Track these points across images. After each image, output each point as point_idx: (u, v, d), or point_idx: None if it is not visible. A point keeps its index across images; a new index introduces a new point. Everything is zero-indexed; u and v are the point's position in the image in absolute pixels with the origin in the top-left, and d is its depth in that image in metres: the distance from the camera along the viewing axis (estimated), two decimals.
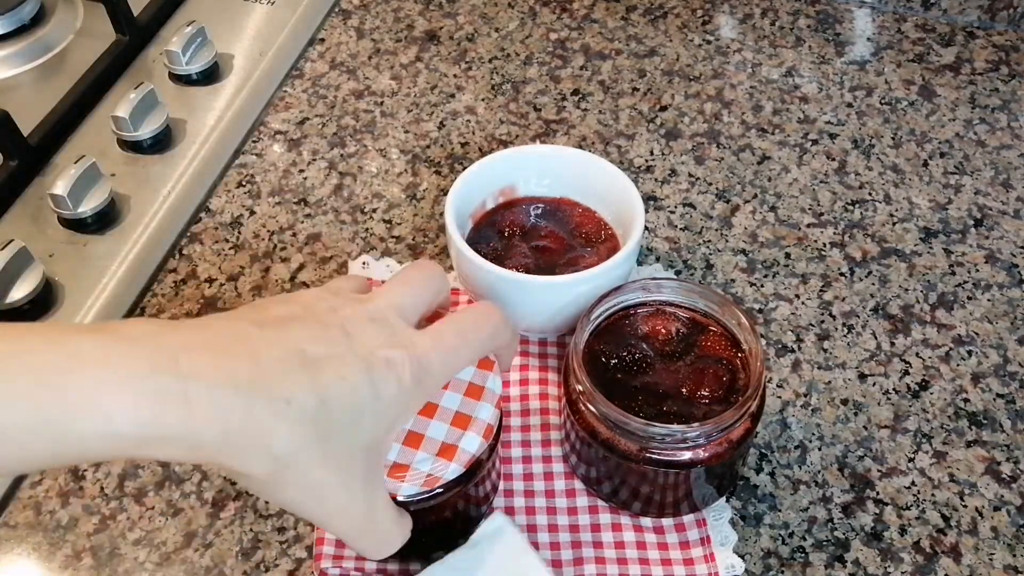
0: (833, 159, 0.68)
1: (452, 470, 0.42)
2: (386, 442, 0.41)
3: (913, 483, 0.51)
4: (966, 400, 0.55)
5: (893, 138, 0.69)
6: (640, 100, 0.72)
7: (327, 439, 0.36)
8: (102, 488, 0.52)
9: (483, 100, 0.72)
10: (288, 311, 0.38)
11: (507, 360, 0.47)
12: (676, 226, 0.64)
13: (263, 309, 0.38)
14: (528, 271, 0.52)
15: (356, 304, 0.40)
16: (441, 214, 0.63)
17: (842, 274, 0.61)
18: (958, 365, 0.56)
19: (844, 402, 0.55)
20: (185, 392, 0.32)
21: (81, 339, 0.32)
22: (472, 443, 0.42)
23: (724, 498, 0.50)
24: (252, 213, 0.65)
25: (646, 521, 0.49)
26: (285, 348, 0.36)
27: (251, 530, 0.50)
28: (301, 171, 0.68)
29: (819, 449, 0.53)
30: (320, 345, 0.36)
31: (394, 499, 0.41)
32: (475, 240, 0.55)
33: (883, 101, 0.72)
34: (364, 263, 0.61)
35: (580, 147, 0.67)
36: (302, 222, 0.64)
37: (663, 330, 0.49)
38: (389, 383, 0.37)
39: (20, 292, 0.57)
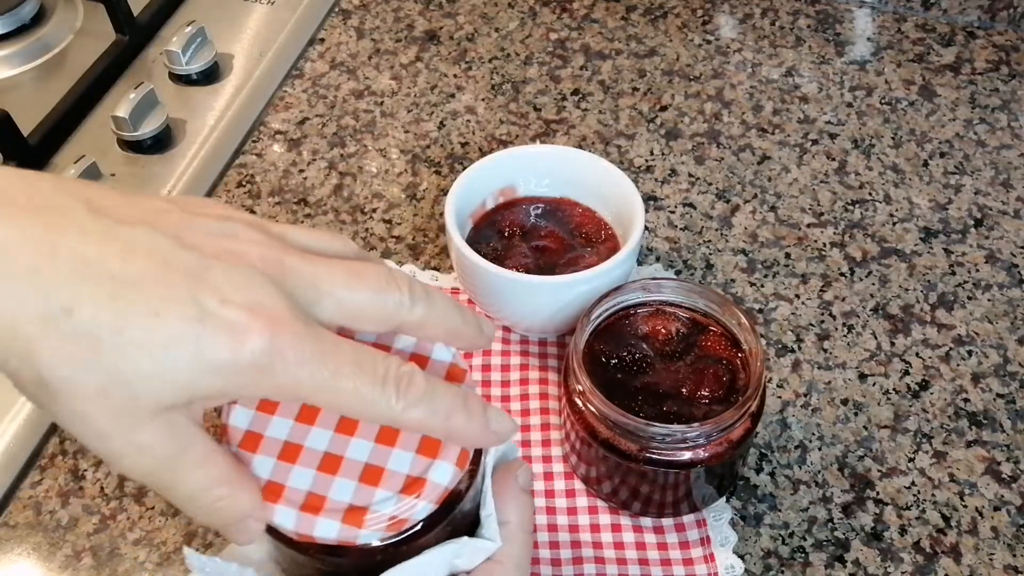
0: (833, 159, 0.68)
1: (421, 509, 0.33)
2: (202, 408, 0.31)
3: (913, 483, 0.51)
4: (966, 400, 0.55)
5: (893, 138, 0.69)
6: (640, 100, 0.72)
7: (110, 376, 0.27)
8: (102, 488, 0.52)
9: (483, 100, 0.72)
10: (164, 207, 0.30)
11: (467, 340, 0.36)
12: (676, 226, 0.64)
13: (148, 200, 0.30)
14: (528, 271, 0.52)
15: (257, 242, 0.31)
16: (441, 214, 0.63)
17: (842, 274, 0.61)
18: (958, 365, 0.56)
19: (844, 402, 0.55)
20: None
21: None
22: (444, 474, 0.34)
23: (724, 498, 0.50)
24: (252, 213, 0.65)
25: (646, 521, 0.49)
26: (106, 247, 0.28)
27: None
28: (301, 171, 0.68)
29: (819, 449, 0.53)
30: (154, 262, 0.28)
31: (353, 547, 0.33)
32: (475, 240, 0.55)
33: (883, 101, 0.72)
34: None
35: (580, 147, 0.67)
36: (302, 222, 0.64)
37: (663, 330, 0.49)
38: (219, 349, 0.28)
39: None
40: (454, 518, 0.35)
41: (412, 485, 0.34)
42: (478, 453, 0.36)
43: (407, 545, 0.34)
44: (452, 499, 0.35)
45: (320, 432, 0.35)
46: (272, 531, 0.34)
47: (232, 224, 0.31)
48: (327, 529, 0.33)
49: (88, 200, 0.28)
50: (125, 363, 0.27)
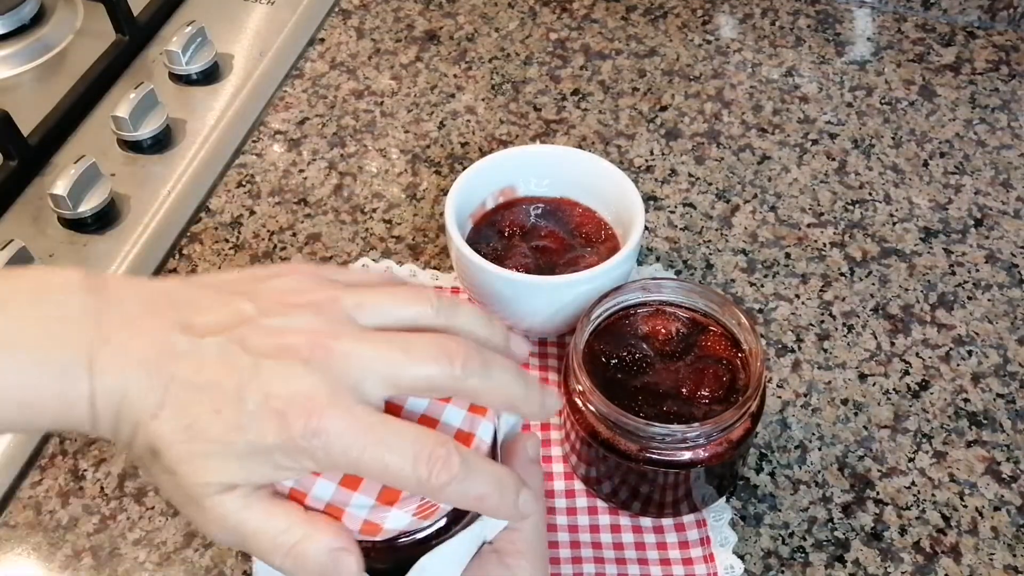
0: (833, 159, 0.68)
1: (393, 517, 0.35)
2: (262, 483, 0.36)
3: (913, 483, 0.51)
4: (966, 400, 0.55)
5: (893, 138, 0.69)
6: (640, 100, 0.72)
7: (185, 460, 0.34)
8: (102, 488, 0.52)
9: (483, 100, 0.72)
10: (242, 312, 0.36)
11: (526, 412, 0.39)
12: (676, 226, 0.64)
13: (230, 302, 0.36)
14: (528, 271, 0.52)
15: (311, 330, 0.35)
16: (441, 214, 0.63)
17: (842, 274, 0.61)
18: (958, 365, 0.56)
19: (844, 402, 0.55)
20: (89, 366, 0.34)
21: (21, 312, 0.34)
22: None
23: (724, 498, 0.50)
24: (252, 213, 0.65)
25: (645, 521, 0.49)
26: (188, 362, 0.35)
27: None
28: (301, 171, 0.68)
29: (819, 449, 0.53)
30: (218, 370, 0.34)
31: (393, 539, 0.36)
32: (475, 240, 0.55)
33: (883, 101, 0.72)
34: (364, 265, 0.61)
35: (580, 147, 0.67)
36: (302, 222, 0.64)
37: (663, 330, 0.49)
38: (266, 435, 0.33)
39: None
40: (436, 531, 0.37)
41: (388, 493, 0.36)
42: (494, 440, 0.39)
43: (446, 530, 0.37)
44: (427, 512, 0.36)
45: None
46: None
47: (294, 317, 0.36)
48: (397, 520, 0.35)
49: (181, 322, 0.35)
50: (195, 448, 0.34)
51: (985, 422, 0.54)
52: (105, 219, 0.63)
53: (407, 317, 0.37)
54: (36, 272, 0.37)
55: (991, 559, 0.49)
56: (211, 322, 0.36)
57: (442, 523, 0.37)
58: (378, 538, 0.36)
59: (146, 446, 0.35)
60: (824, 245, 0.62)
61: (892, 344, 0.57)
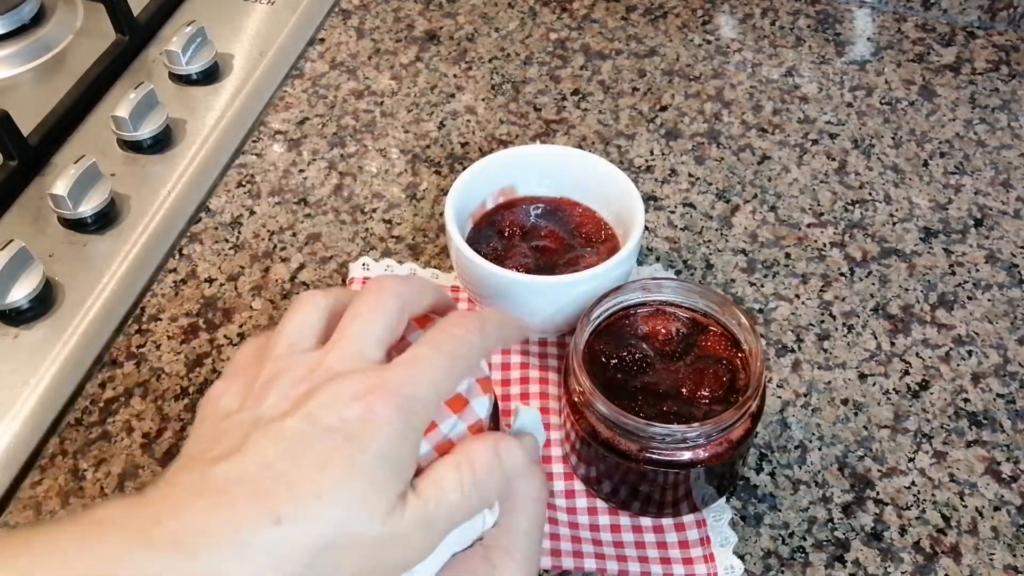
0: (833, 159, 0.68)
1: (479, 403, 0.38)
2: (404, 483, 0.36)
3: (913, 483, 0.51)
4: (966, 400, 0.55)
5: (893, 138, 0.69)
6: (640, 100, 0.72)
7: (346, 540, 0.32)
8: (102, 488, 0.52)
9: (483, 100, 0.72)
10: (238, 431, 0.34)
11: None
12: (676, 226, 0.64)
13: (213, 439, 0.34)
14: (528, 271, 0.52)
15: (311, 373, 0.35)
16: (441, 214, 0.63)
17: (842, 274, 0.61)
18: (958, 365, 0.56)
19: (844, 402, 0.55)
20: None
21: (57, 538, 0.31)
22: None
23: (724, 498, 0.50)
24: (252, 213, 0.65)
25: (645, 521, 0.49)
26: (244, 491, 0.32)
27: None
28: (301, 171, 0.68)
29: (819, 449, 0.53)
30: (282, 452, 0.33)
31: None
32: (475, 240, 0.55)
33: (883, 101, 0.72)
34: (364, 264, 0.61)
35: (580, 147, 0.67)
36: (302, 222, 0.64)
37: (663, 330, 0.49)
38: (376, 434, 0.33)
39: (20, 292, 0.57)
40: None
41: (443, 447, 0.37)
42: (495, 424, 0.40)
43: None
44: None
45: None
46: None
47: (277, 384, 0.35)
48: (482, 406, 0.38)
49: (201, 456, 0.34)
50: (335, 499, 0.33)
51: (985, 422, 0.54)
52: (105, 219, 0.63)
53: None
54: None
55: (991, 559, 0.49)
56: (216, 452, 0.34)
57: None
58: None
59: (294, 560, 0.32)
60: (824, 245, 0.62)
61: (892, 344, 0.57)
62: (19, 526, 0.50)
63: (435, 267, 0.61)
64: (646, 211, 0.58)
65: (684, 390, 0.47)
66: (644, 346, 0.49)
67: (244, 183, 0.67)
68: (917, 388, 0.55)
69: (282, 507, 0.31)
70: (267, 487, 0.32)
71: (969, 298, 0.60)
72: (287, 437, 0.33)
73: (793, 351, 0.57)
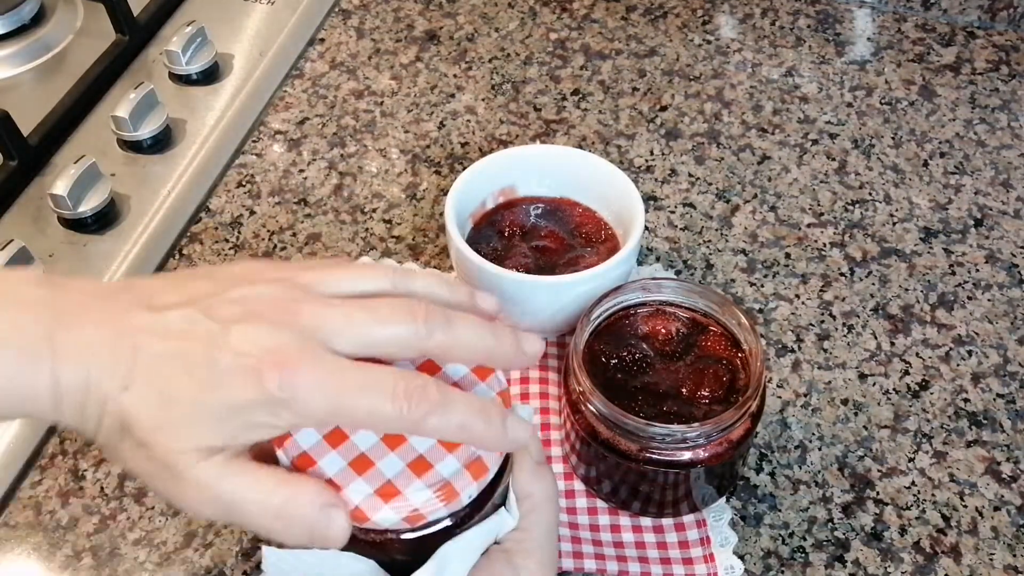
0: (833, 159, 0.68)
1: (383, 514, 0.36)
2: (244, 445, 0.36)
3: (913, 483, 0.51)
4: (966, 400, 0.55)
5: (893, 138, 0.69)
6: (640, 100, 0.72)
7: (161, 424, 0.34)
8: (102, 488, 0.52)
9: (483, 100, 0.72)
10: (203, 289, 0.36)
11: (504, 360, 0.39)
12: (676, 226, 0.64)
13: (192, 282, 0.37)
14: (528, 271, 0.52)
15: (275, 298, 0.36)
16: (441, 214, 0.63)
17: (842, 274, 0.61)
18: (958, 365, 0.56)
19: (844, 402, 0.55)
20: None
21: None
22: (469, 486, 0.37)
23: (724, 498, 0.50)
24: (252, 213, 0.65)
25: (645, 521, 0.49)
26: (153, 334, 0.35)
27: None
28: (301, 171, 0.68)
29: (819, 449, 0.53)
30: (184, 337, 0.34)
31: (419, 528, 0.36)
32: (475, 240, 0.55)
33: (883, 101, 0.72)
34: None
35: (580, 147, 0.67)
36: (302, 222, 0.64)
37: (663, 330, 0.49)
38: (239, 391, 0.33)
39: None
40: (495, 497, 0.38)
41: (472, 465, 0.37)
42: (501, 471, 0.39)
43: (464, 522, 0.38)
44: (492, 481, 0.38)
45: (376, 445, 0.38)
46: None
47: (255, 288, 0.36)
48: (385, 518, 0.36)
49: (140, 302, 0.36)
50: (170, 414, 0.34)
51: (985, 422, 0.54)
52: (105, 219, 0.63)
53: (365, 290, 0.37)
54: None
55: (991, 559, 0.49)
56: (171, 299, 0.36)
57: (465, 512, 0.37)
58: (366, 526, 0.36)
59: (116, 423, 0.34)
60: (824, 245, 0.62)
61: (892, 344, 0.57)
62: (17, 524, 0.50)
63: (435, 267, 0.61)
64: (646, 211, 0.58)
65: (684, 390, 0.47)
66: (644, 346, 0.49)
67: (244, 183, 0.67)
68: (917, 388, 0.55)
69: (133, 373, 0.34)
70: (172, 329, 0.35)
71: (969, 298, 0.60)
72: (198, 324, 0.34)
73: (793, 351, 0.57)
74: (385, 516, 0.36)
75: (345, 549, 0.36)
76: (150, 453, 0.34)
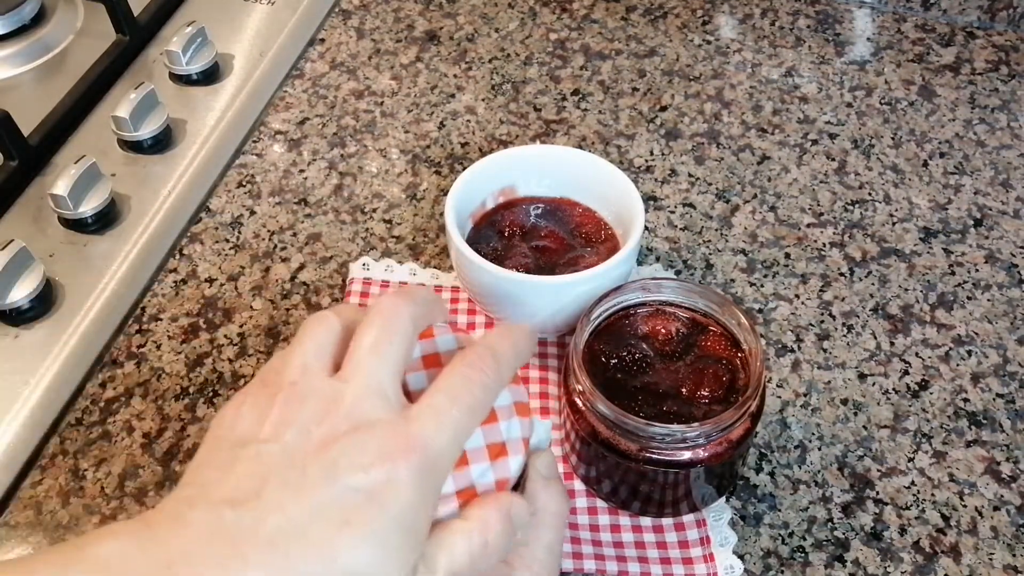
0: (833, 159, 0.68)
1: (515, 463, 0.38)
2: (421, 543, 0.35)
3: (913, 483, 0.51)
4: (966, 400, 0.55)
5: (893, 138, 0.69)
6: (640, 100, 0.72)
7: None
8: (102, 488, 0.52)
9: (483, 100, 0.72)
10: (255, 470, 0.33)
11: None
12: (676, 226, 0.64)
13: (227, 471, 0.33)
14: (528, 271, 0.52)
15: (330, 413, 0.34)
16: (441, 214, 0.63)
17: (842, 274, 0.61)
18: (958, 365, 0.56)
19: (844, 402, 0.55)
20: None
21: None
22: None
23: (724, 498, 0.50)
24: (252, 213, 0.65)
25: (645, 521, 0.49)
26: (266, 534, 0.31)
27: None
28: (301, 171, 0.68)
29: (819, 449, 0.53)
30: (302, 506, 0.32)
31: None
32: (475, 240, 0.55)
33: (883, 101, 0.72)
34: (364, 264, 0.61)
35: (580, 147, 0.67)
36: (302, 222, 0.64)
37: (663, 330, 0.49)
38: (396, 497, 0.32)
39: (20, 292, 0.57)
40: None
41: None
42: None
43: None
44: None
45: None
46: None
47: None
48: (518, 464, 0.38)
49: (222, 499, 0.32)
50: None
51: (985, 422, 0.54)
52: (105, 219, 0.63)
53: None
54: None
55: (991, 559, 0.49)
56: (248, 472, 0.33)
57: None
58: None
59: None
60: (824, 245, 0.63)
61: (892, 344, 0.57)
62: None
63: (435, 267, 0.61)
64: (646, 211, 0.58)
65: (684, 390, 0.47)
66: (644, 346, 0.49)
67: (244, 183, 0.67)
68: (917, 388, 0.55)
69: (299, 566, 0.30)
70: (284, 544, 0.31)
71: (969, 298, 0.60)
72: (307, 488, 0.32)
73: (793, 351, 0.57)
74: (518, 462, 0.37)
75: None
76: None
